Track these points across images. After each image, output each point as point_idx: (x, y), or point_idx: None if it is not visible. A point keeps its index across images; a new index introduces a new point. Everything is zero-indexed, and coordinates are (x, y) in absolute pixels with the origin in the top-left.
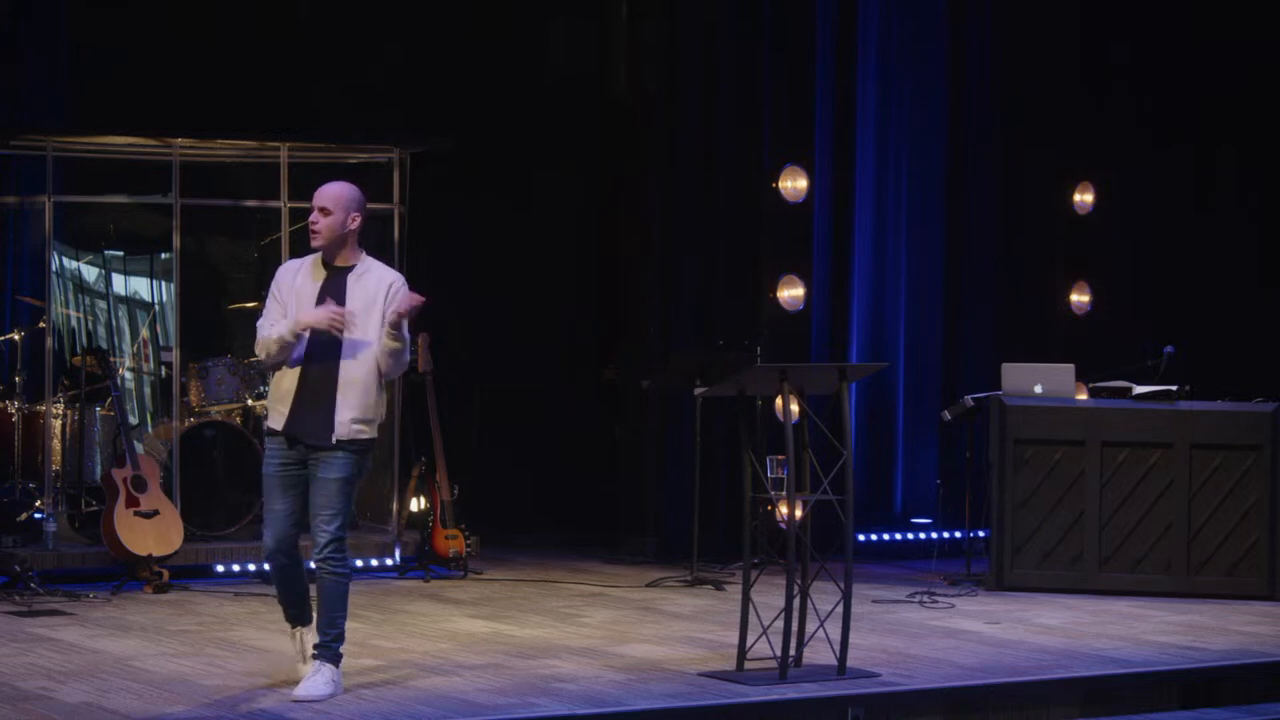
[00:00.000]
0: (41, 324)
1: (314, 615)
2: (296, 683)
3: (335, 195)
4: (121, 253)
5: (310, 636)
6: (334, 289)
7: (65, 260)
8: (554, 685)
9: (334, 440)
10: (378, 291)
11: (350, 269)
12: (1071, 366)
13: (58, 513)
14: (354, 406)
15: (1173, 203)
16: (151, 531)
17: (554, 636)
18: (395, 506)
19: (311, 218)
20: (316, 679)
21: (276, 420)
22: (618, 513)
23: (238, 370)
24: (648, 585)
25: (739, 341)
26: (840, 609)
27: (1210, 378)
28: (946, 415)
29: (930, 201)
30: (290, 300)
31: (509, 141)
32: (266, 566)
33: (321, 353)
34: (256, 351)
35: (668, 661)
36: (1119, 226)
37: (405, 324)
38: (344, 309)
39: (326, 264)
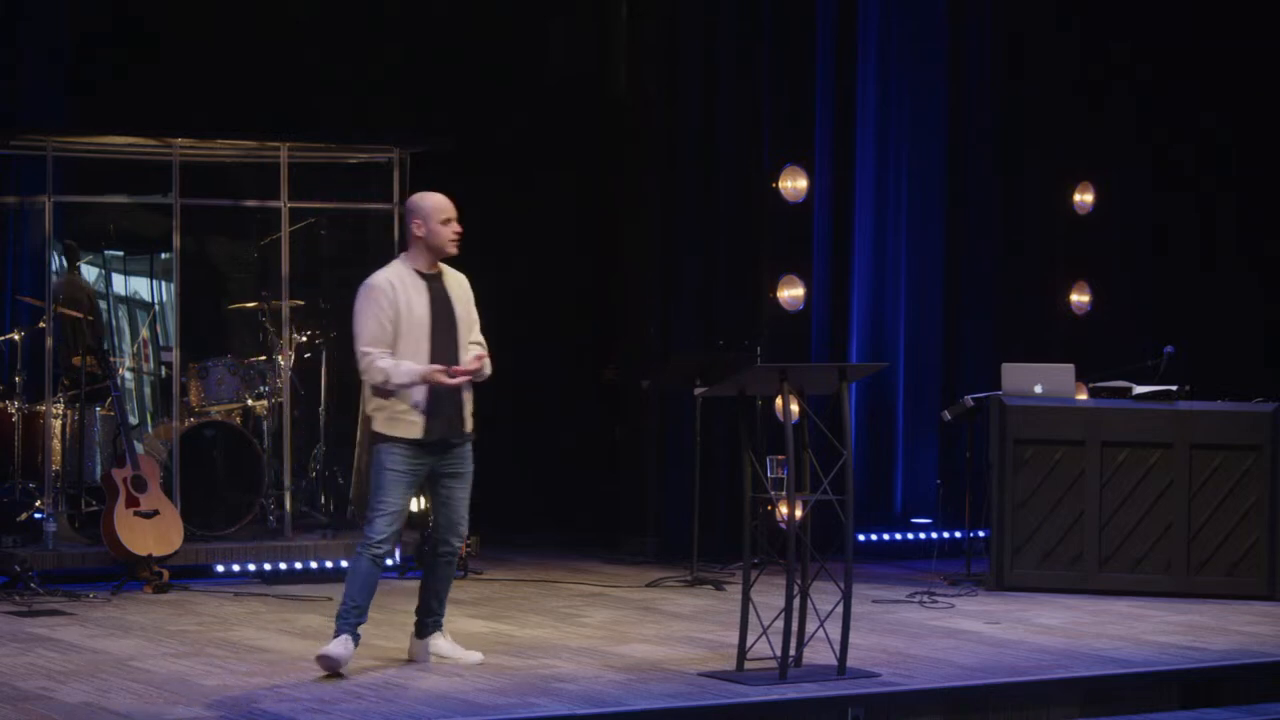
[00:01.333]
0: (41, 324)
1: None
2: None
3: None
4: (121, 253)
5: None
6: (440, 297)
7: (66, 260)
8: (554, 685)
9: (466, 432)
10: (467, 295)
11: (440, 275)
12: (1071, 366)
13: (58, 513)
14: (470, 402)
15: (1173, 203)
16: (151, 531)
17: (554, 636)
18: None
19: (457, 229)
20: (460, 650)
21: (412, 430)
22: (618, 513)
23: (238, 370)
24: (648, 585)
25: (739, 341)
26: (840, 609)
27: (1210, 378)
28: (946, 415)
29: (930, 201)
30: (403, 314)
31: (509, 141)
32: (368, 561)
33: (446, 360)
34: (373, 376)
35: (668, 661)
36: (1119, 226)
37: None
38: (456, 368)
39: (421, 274)
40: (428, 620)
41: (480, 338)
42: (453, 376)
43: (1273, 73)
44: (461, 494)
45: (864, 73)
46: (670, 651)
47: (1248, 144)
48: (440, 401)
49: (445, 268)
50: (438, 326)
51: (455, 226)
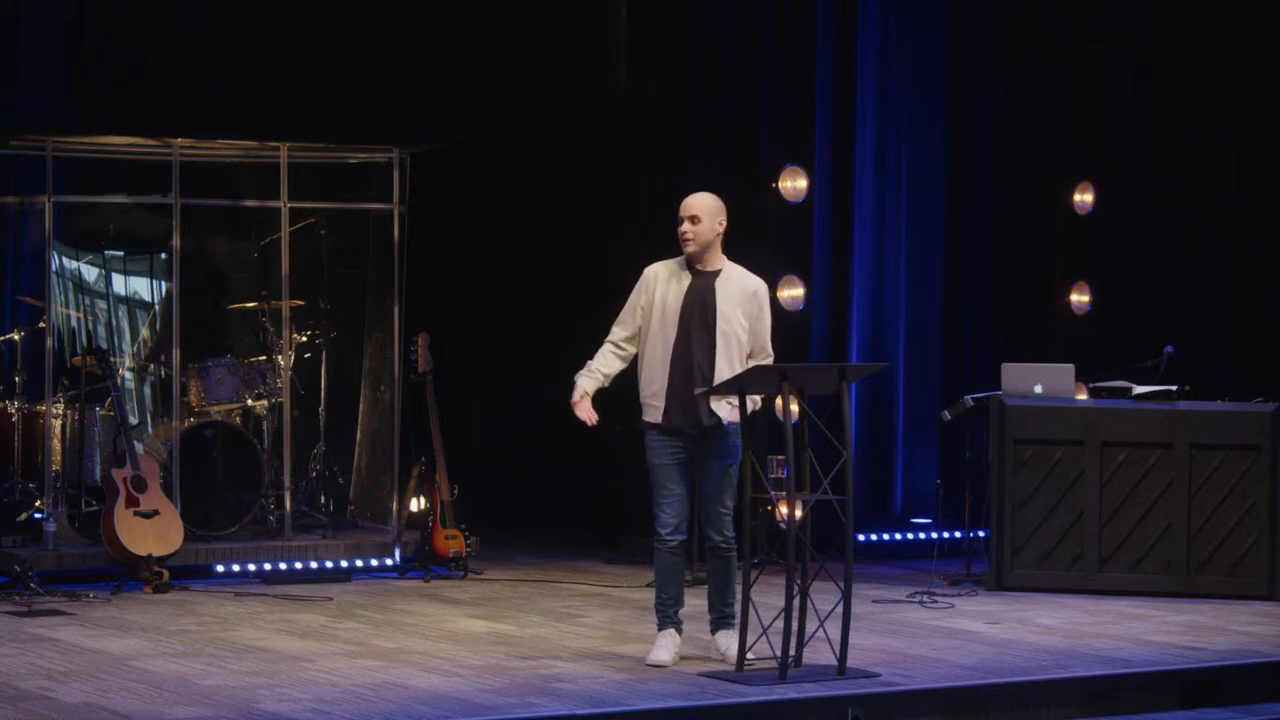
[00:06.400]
0: (41, 324)
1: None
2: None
3: (704, 204)
4: (121, 253)
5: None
6: (701, 291)
7: (65, 260)
8: (554, 685)
9: (702, 423)
10: (742, 298)
11: (717, 273)
12: (1071, 366)
13: (58, 513)
14: (719, 402)
15: (1173, 203)
16: (151, 531)
17: (554, 636)
18: (395, 506)
19: (682, 228)
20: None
21: (654, 415)
22: (618, 513)
23: (238, 370)
24: (648, 585)
25: None
26: (840, 609)
27: (1210, 378)
28: (946, 415)
29: (930, 201)
30: (655, 304)
31: (509, 141)
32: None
33: (688, 356)
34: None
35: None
36: (1119, 226)
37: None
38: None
39: (692, 268)
40: (710, 616)
41: (770, 351)
42: (585, 412)
43: (1273, 72)
44: (707, 484)
45: (864, 72)
46: None
47: (1249, 143)
48: (674, 389)
49: (732, 269)
50: (689, 322)
51: (683, 226)
